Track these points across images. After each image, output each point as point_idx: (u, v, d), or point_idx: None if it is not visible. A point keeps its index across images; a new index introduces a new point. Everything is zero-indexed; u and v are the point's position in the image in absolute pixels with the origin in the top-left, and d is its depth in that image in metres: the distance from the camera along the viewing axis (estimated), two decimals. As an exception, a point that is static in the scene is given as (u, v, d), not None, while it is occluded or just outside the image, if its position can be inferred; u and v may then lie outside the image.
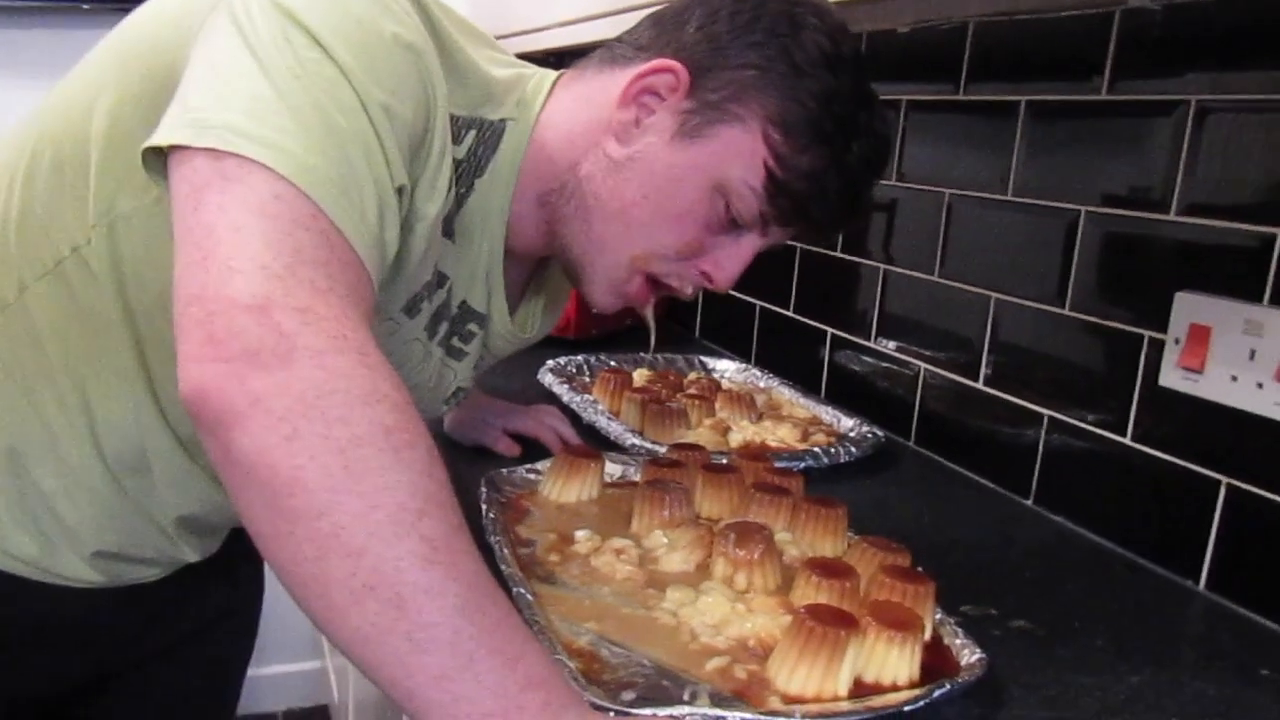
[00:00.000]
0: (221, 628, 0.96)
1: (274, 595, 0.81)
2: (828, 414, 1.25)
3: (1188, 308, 0.86)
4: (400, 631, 0.47)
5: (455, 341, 0.79)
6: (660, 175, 0.70)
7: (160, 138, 0.53)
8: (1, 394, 0.70)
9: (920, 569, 0.78)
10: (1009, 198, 1.07)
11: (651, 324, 0.98)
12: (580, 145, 0.72)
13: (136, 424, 0.71)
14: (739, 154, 0.69)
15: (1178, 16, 0.88)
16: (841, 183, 0.71)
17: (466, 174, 0.71)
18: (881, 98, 0.73)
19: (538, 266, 0.86)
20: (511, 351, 0.87)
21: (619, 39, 0.76)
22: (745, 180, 0.69)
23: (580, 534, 0.82)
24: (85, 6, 1.70)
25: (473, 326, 0.79)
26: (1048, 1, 0.98)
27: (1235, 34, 0.85)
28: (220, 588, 0.91)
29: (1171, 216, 0.89)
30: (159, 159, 0.54)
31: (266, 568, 1.01)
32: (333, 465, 0.47)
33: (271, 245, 0.50)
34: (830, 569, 0.73)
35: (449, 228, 0.71)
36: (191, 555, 0.81)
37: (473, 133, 0.70)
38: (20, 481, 0.71)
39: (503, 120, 0.72)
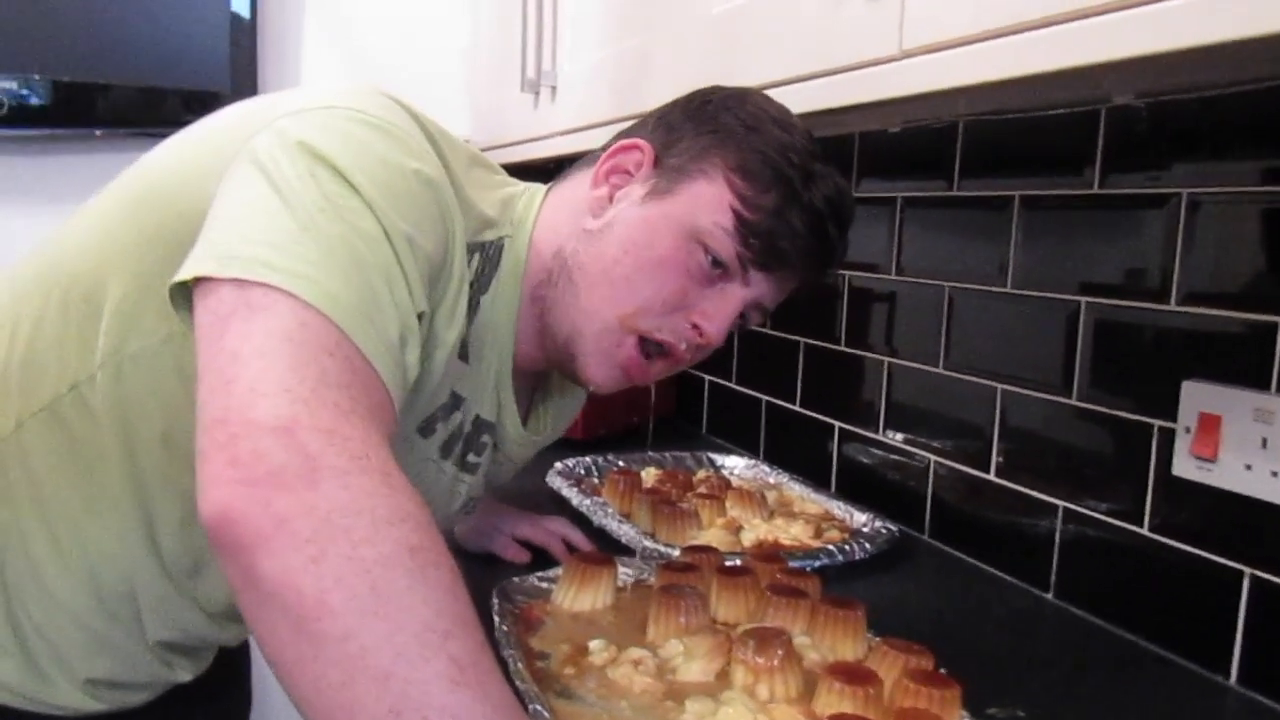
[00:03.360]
0: None
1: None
2: (840, 509, 1.24)
3: (1196, 396, 0.86)
4: None
5: (470, 457, 0.80)
6: (636, 230, 0.74)
7: (186, 271, 0.54)
8: None
9: (944, 670, 0.77)
10: (1009, 290, 1.09)
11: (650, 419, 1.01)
12: (564, 232, 0.77)
13: (127, 557, 0.71)
14: (707, 202, 0.73)
15: (1162, 112, 0.91)
16: (807, 219, 0.74)
17: (474, 294, 0.72)
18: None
19: (544, 374, 0.88)
20: (529, 455, 0.89)
21: (591, 153, 0.81)
22: (717, 222, 0.73)
23: (595, 644, 0.80)
24: (98, 134, 1.73)
25: (485, 438, 0.80)
26: (1034, 100, 1.01)
27: (1220, 128, 0.87)
28: (207, 713, 0.89)
29: (1172, 306, 0.90)
30: (183, 295, 0.56)
31: (256, 691, 1.00)
32: (359, 587, 0.46)
33: (296, 370, 0.50)
34: (853, 675, 0.71)
35: (463, 350, 0.72)
36: (184, 675, 0.80)
37: (476, 255, 0.72)
38: (8, 611, 0.71)
39: (500, 239, 0.75)
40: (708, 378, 1.76)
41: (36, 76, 1.68)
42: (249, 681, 1.00)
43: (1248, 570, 0.83)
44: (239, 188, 0.58)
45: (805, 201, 0.74)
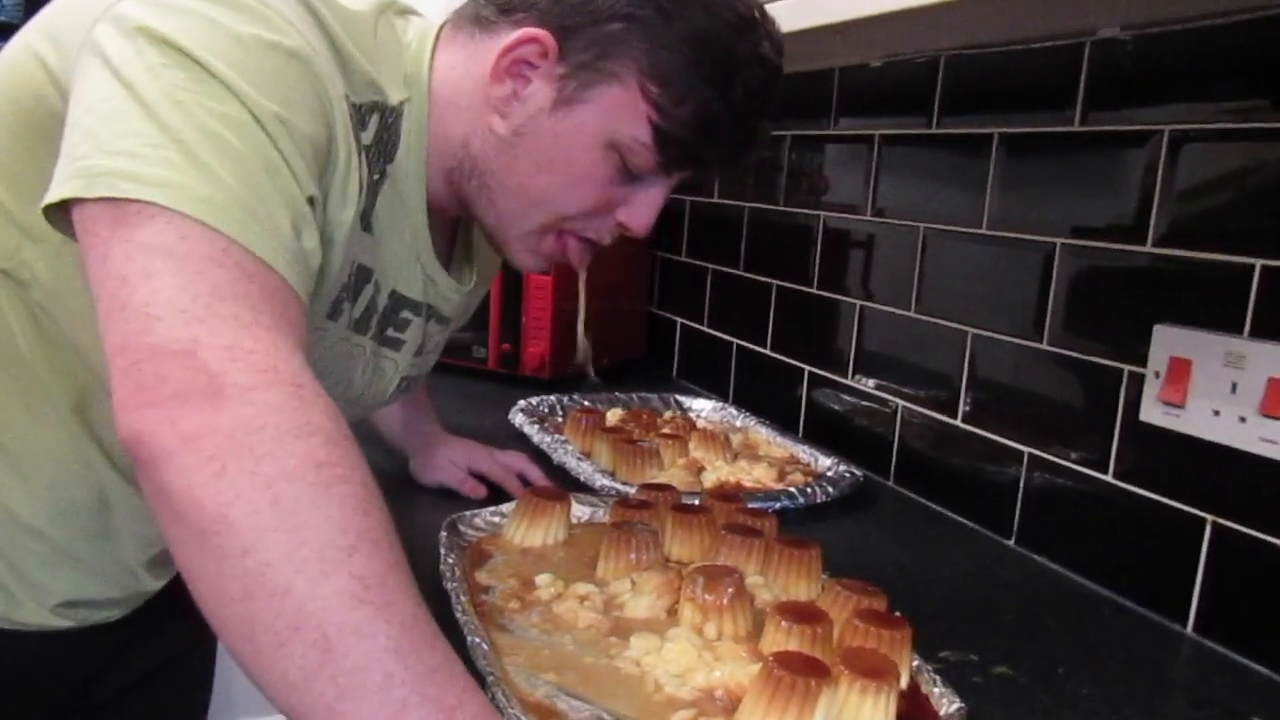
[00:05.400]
0: (173, 674, 0.92)
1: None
2: (805, 453, 1.22)
3: (1167, 340, 0.84)
4: (327, 676, 0.43)
5: (390, 332, 0.77)
6: (550, 146, 0.69)
7: (54, 194, 0.52)
8: None
9: (898, 613, 0.75)
10: (984, 231, 1.06)
11: (591, 370, 0.97)
12: (468, 120, 0.71)
13: (83, 465, 0.69)
14: (621, 112, 0.68)
15: (1148, 46, 0.88)
16: (730, 121, 0.69)
17: (377, 160, 0.68)
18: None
19: (460, 222, 0.84)
20: (467, 308, 0.86)
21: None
22: (633, 136, 0.68)
23: (542, 579, 0.78)
24: None
25: (407, 314, 0.77)
26: (1018, 32, 0.97)
27: (1206, 62, 0.84)
28: (176, 627, 0.87)
29: (1148, 248, 0.87)
30: (60, 212, 0.53)
31: None
32: (260, 502, 0.45)
33: (187, 288, 0.49)
34: (802, 614, 0.69)
35: (366, 222, 0.69)
36: (154, 584, 0.79)
37: (375, 116, 0.68)
38: None
39: (400, 103, 0.70)
40: (679, 320, 1.73)
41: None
42: None
43: (1210, 518, 0.82)
44: (89, 89, 0.54)
45: (730, 104, 0.68)
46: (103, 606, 0.76)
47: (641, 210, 0.73)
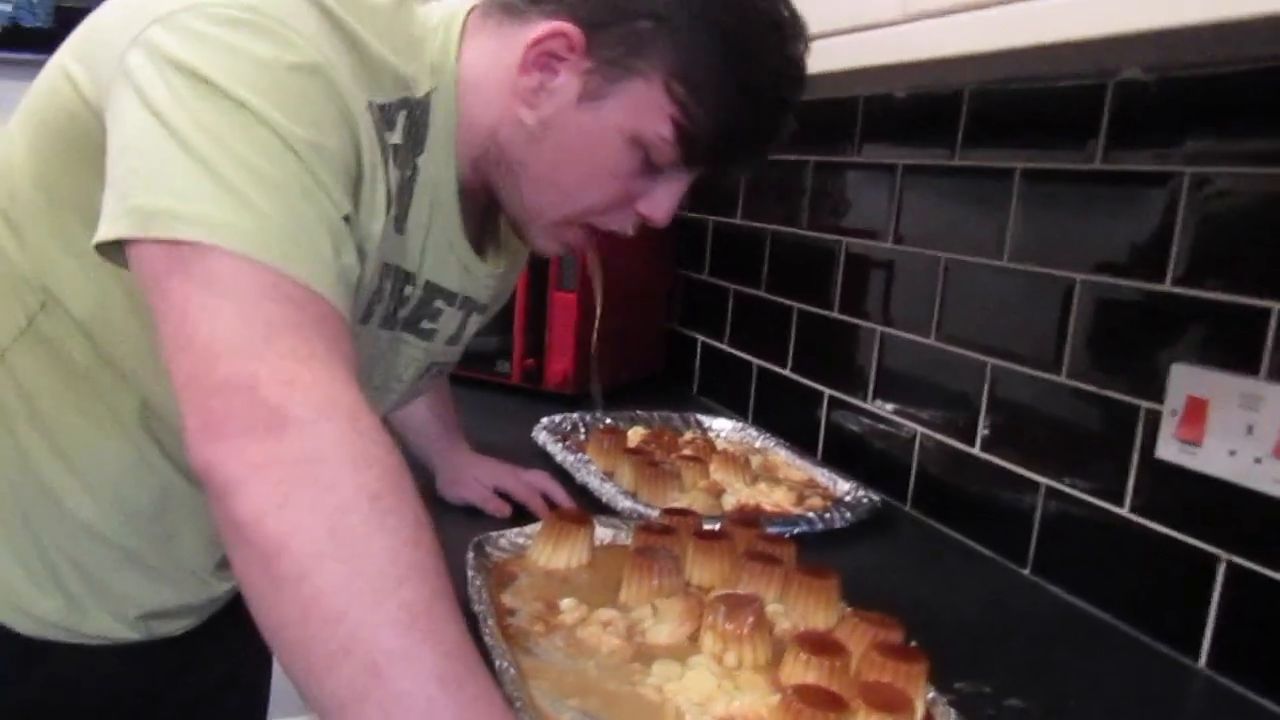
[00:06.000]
0: (234, 689, 0.96)
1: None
2: (824, 476, 1.23)
3: (1184, 379, 0.86)
4: (374, 699, 0.46)
5: (424, 324, 0.79)
6: (575, 139, 0.70)
7: (106, 233, 0.54)
8: (2, 458, 0.70)
9: (915, 643, 0.77)
10: (1005, 263, 1.07)
11: (599, 397, 0.98)
12: (495, 109, 0.72)
13: (147, 468, 0.72)
14: (646, 108, 0.69)
15: (1170, 88, 0.89)
16: (753, 122, 0.70)
17: (408, 156, 0.70)
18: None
19: (487, 207, 0.84)
20: (499, 294, 0.87)
21: None
22: (657, 133, 0.69)
23: (566, 603, 0.80)
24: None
25: (440, 303, 0.79)
26: (1040, 70, 0.99)
27: (1228, 105, 0.85)
28: (237, 643, 0.91)
29: (1167, 286, 0.89)
30: (111, 245, 0.55)
31: None
32: (318, 531, 0.48)
33: (244, 324, 0.52)
34: (820, 646, 0.71)
35: (400, 224, 0.70)
36: (220, 587, 0.82)
37: (403, 113, 0.69)
38: (36, 545, 0.72)
39: (427, 95, 0.70)
40: (700, 338, 1.75)
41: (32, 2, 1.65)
42: None
43: (1224, 555, 0.83)
44: (126, 120, 0.56)
45: (754, 103, 0.69)
46: (177, 615, 0.80)
47: (662, 202, 0.74)
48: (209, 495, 0.50)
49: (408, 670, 0.46)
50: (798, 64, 0.71)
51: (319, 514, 0.48)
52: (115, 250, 0.55)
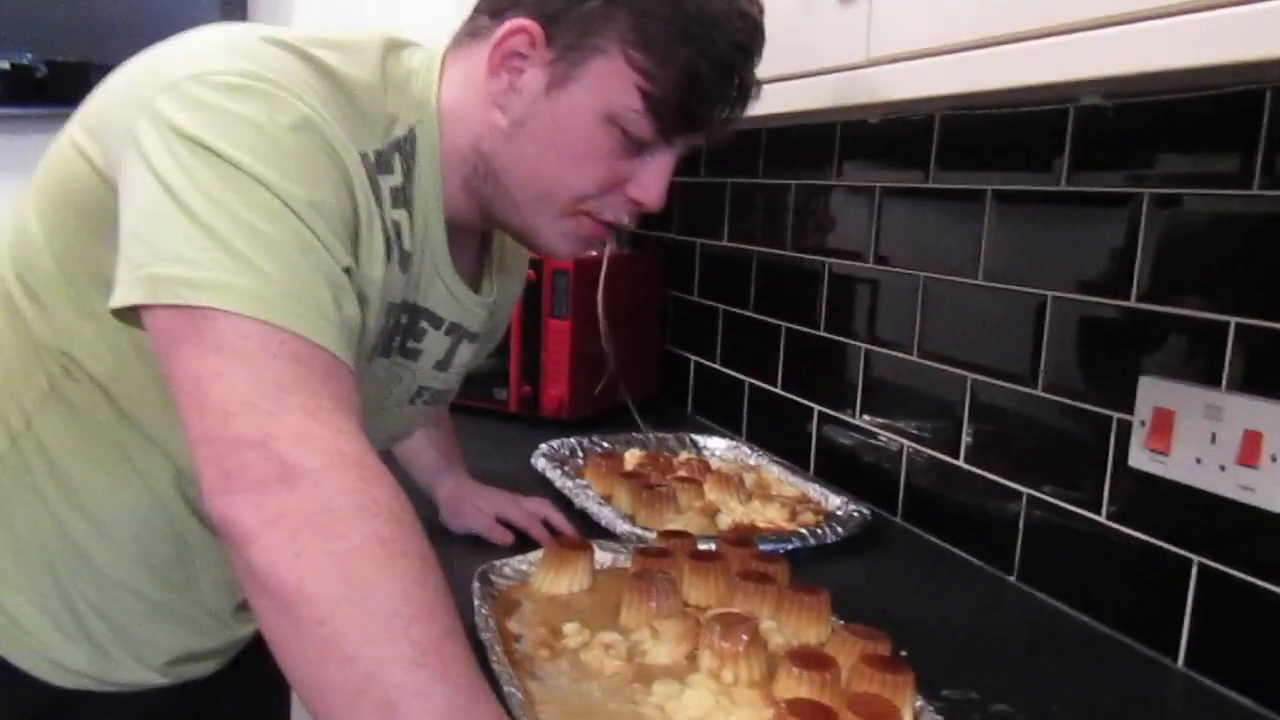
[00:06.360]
0: None
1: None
2: (816, 491, 1.27)
3: (1151, 392, 0.90)
4: None
5: (409, 344, 0.81)
6: (550, 128, 0.72)
7: (120, 299, 0.58)
8: (28, 516, 0.74)
9: (904, 653, 0.80)
10: (980, 282, 1.11)
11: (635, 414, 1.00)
12: (474, 124, 0.75)
13: (166, 517, 0.76)
14: (611, 83, 0.71)
15: (1128, 113, 0.93)
16: (717, 76, 0.71)
17: (405, 196, 0.73)
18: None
19: (483, 238, 0.87)
20: (493, 325, 0.89)
21: (476, 9, 0.77)
22: (626, 105, 0.71)
23: (569, 628, 0.84)
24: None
25: (424, 324, 0.81)
26: (1007, 92, 1.03)
27: (1183, 129, 0.89)
28: (258, 681, 0.94)
29: (1132, 303, 0.93)
30: (126, 309, 0.59)
31: None
32: (332, 577, 0.51)
33: (255, 383, 0.55)
34: (811, 660, 0.75)
35: (405, 264, 0.73)
36: (243, 629, 0.86)
37: (397, 155, 0.72)
38: (65, 600, 0.75)
39: (412, 129, 0.74)
40: (693, 358, 1.79)
41: (29, 56, 1.70)
42: None
43: (1196, 558, 0.87)
44: (134, 188, 0.60)
45: (714, 59, 0.70)
46: (202, 658, 0.83)
47: (650, 182, 0.75)
48: (227, 545, 0.53)
49: (420, 704, 0.49)
50: (748, 13, 0.73)
51: (332, 561, 0.51)
52: (130, 313, 0.59)
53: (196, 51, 0.65)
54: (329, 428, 0.55)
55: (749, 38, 0.73)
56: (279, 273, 0.58)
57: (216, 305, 0.56)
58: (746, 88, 0.74)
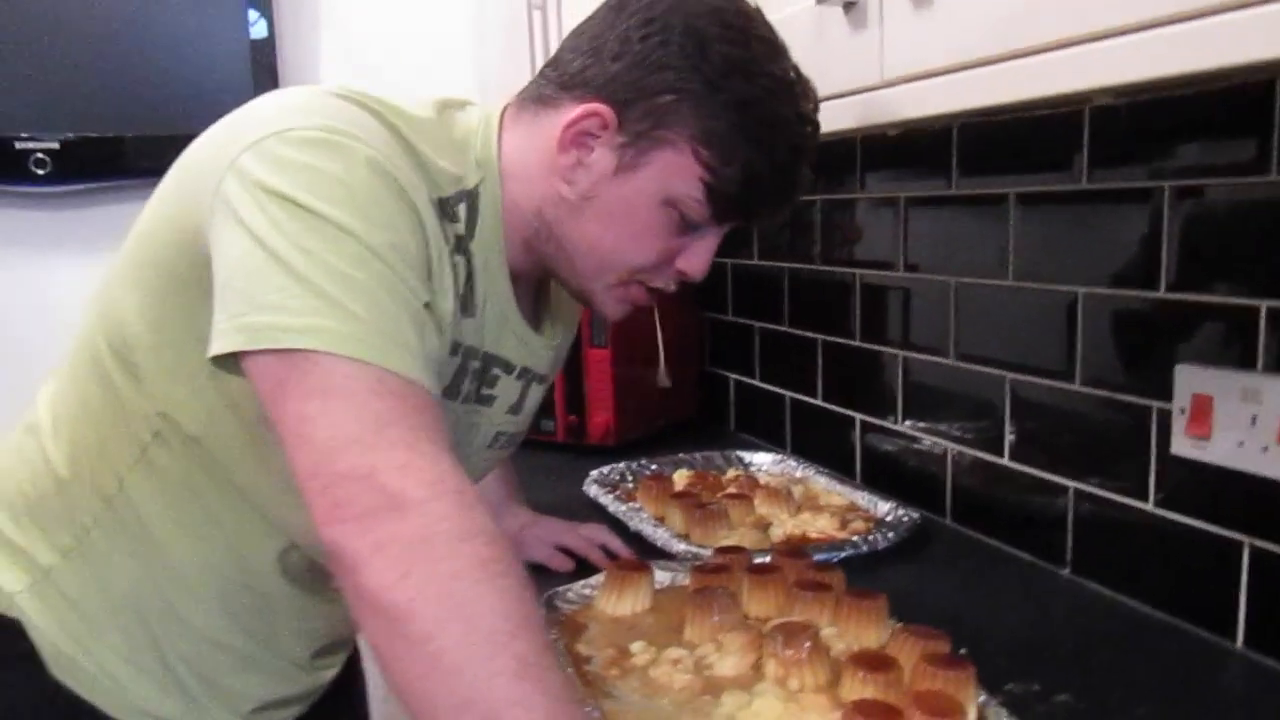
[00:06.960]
0: None
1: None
2: (864, 499, 1.29)
3: (1188, 379, 0.91)
4: None
5: (483, 390, 0.85)
6: (614, 207, 0.78)
7: (220, 346, 0.62)
8: (123, 575, 0.78)
9: (963, 650, 0.82)
10: (1010, 282, 1.14)
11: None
12: (539, 190, 0.79)
13: (250, 574, 0.80)
14: (676, 172, 0.76)
15: (1143, 110, 0.96)
16: (774, 175, 0.78)
17: (469, 244, 0.77)
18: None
19: (540, 285, 0.92)
20: (555, 362, 0.94)
21: (544, 73, 0.82)
22: (688, 194, 0.76)
23: (636, 646, 0.87)
24: (133, 183, 1.81)
25: (496, 370, 0.85)
26: (1020, 104, 1.05)
27: (1195, 122, 0.91)
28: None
29: (1161, 294, 0.95)
30: (224, 357, 0.63)
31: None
32: (438, 597, 0.55)
33: (357, 419, 0.59)
34: (874, 663, 0.77)
35: (466, 305, 0.78)
36: (323, 674, 0.90)
37: (463, 205, 0.77)
38: (158, 651, 0.80)
39: (476, 186, 0.78)
40: (732, 376, 1.82)
41: (71, 135, 1.78)
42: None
43: (1247, 540, 0.88)
44: (228, 244, 0.64)
45: (773, 159, 0.77)
46: (284, 705, 0.87)
47: (699, 258, 0.82)
48: (337, 572, 0.58)
49: (523, 716, 0.53)
50: (809, 119, 0.79)
51: (437, 582, 0.55)
52: (230, 361, 0.63)
53: (274, 111, 0.70)
54: (428, 459, 0.60)
55: (807, 141, 0.80)
56: (369, 314, 0.62)
57: (316, 348, 0.60)
58: (800, 186, 0.81)
